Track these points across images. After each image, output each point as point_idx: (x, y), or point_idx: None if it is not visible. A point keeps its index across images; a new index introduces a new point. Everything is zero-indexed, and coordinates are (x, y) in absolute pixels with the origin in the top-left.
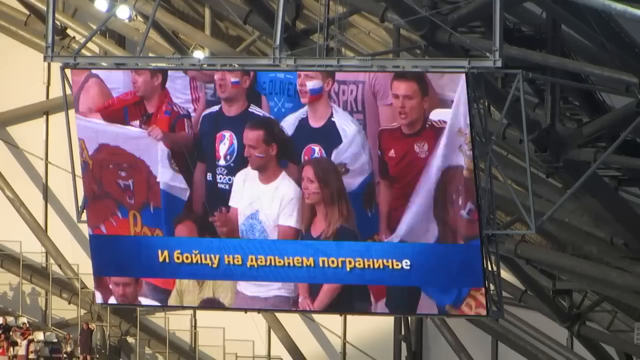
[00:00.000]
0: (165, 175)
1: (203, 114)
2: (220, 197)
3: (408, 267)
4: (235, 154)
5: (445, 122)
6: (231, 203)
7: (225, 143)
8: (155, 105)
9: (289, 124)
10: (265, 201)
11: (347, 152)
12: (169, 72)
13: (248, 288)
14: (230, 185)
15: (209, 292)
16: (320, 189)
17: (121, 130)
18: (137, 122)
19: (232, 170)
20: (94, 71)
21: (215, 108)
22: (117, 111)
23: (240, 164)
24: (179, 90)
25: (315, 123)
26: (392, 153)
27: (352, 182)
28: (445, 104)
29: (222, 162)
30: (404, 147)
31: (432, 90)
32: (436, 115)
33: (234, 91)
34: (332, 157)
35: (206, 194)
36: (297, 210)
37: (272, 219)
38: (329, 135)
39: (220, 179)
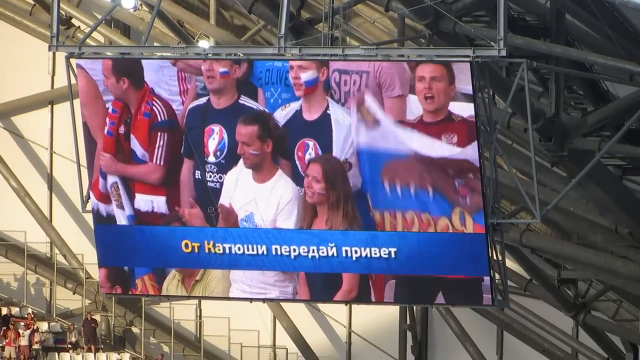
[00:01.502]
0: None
1: (189, 106)
2: (210, 198)
3: (414, 257)
4: (225, 150)
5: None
6: (222, 202)
7: (214, 138)
8: (136, 105)
9: (281, 116)
10: (260, 202)
11: (347, 146)
12: (151, 63)
13: (250, 277)
14: (222, 185)
15: (203, 285)
16: (326, 190)
17: None
18: (122, 128)
19: (223, 168)
20: (77, 61)
21: (203, 100)
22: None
23: (232, 162)
24: (166, 81)
25: (310, 116)
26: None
27: (356, 180)
28: (461, 98)
29: (211, 158)
30: (425, 140)
31: (456, 80)
32: (456, 108)
33: (223, 82)
34: (334, 153)
35: (195, 194)
36: (297, 212)
37: (269, 222)
38: (324, 129)
39: (210, 177)
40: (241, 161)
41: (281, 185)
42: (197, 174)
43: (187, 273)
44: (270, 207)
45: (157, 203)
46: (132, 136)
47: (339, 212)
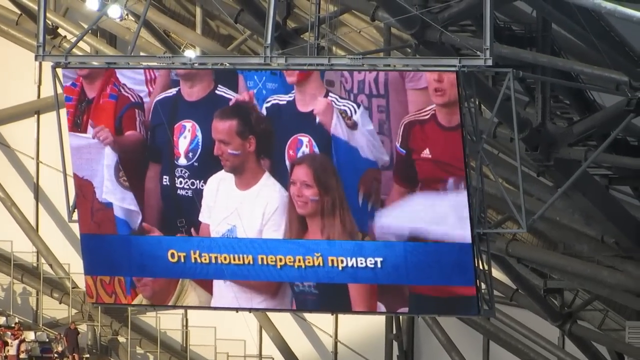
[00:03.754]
0: (113, 194)
1: (156, 99)
2: (180, 208)
3: (400, 266)
4: (200, 150)
5: None
6: (201, 218)
7: (186, 136)
8: (98, 87)
9: (270, 108)
10: (244, 213)
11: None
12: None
13: (232, 299)
14: (194, 192)
15: (184, 294)
16: (319, 195)
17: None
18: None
19: (197, 172)
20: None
21: (173, 91)
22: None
23: (209, 165)
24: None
25: (305, 107)
26: (426, 153)
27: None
28: None
29: (182, 161)
30: (440, 143)
31: None
32: None
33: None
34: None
35: (162, 204)
36: (286, 223)
37: (254, 236)
38: (322, 122)
39: (181, 183)
40: (220, 164)
41: (267, 191)
42: (165, 179)
43: (155, 299)
44: (254, 218)
45: (128, 200)
46: (90, 122)
47: (335, 220)
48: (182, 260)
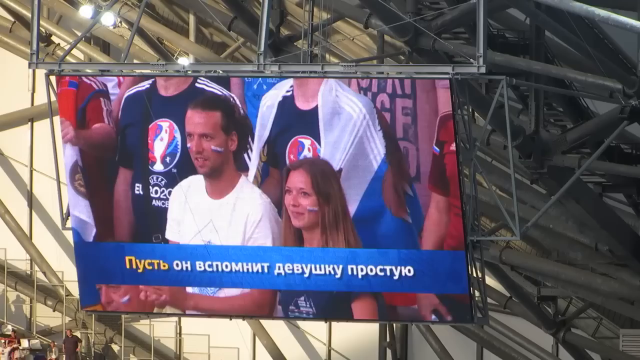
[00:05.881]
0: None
1: (127, 93)
2: (155, 221)
3: (394, 274)
4: (179, 153)
5: None
6: (168, 236)
7: (162, 138)
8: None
9: (266, 107)
10: (220, 226)
11: (353, 147)
12: None
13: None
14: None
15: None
16: (318, 205)
17: None
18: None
19: (175, 180)
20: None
21: (146, 84)
22: None
23: (188, 170)
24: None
25: (304, 103)
26: (453, 146)
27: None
28: None
29: (158, 166)
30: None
31: None
32: None
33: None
34: (337, 154)
35: (134, 216)
36: (273, 235)
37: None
38: (324, 122)
39: (156, 192)
40: (197, 165)
41: (245, 199)
42: (137, 187)
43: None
44: (235, 231)
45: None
46: None
47: (339, 235)
48: (175, 268)
